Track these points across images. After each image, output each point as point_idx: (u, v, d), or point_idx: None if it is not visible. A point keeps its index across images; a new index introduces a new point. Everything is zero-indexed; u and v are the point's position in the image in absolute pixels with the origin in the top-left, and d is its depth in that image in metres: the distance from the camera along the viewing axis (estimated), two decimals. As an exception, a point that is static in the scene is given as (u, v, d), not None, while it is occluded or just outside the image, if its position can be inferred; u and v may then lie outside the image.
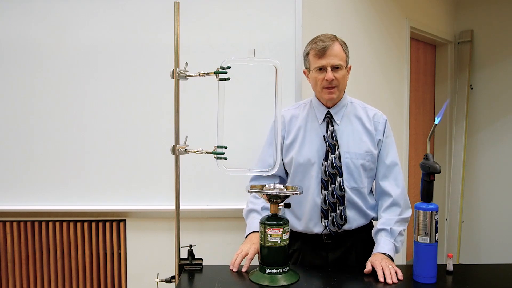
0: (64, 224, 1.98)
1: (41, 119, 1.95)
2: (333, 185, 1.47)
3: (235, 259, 1.37)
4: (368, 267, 1.34)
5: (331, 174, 1.47)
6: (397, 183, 1.51)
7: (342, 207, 1.47)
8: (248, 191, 1.34)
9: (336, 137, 1.48)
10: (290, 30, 1.95)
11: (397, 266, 1.33)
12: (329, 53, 1.42)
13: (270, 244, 1.26)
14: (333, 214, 1.47)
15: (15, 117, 1.95)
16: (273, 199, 1.29)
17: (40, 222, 1.98)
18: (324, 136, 1.49)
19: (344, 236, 1.51)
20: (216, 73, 1.30)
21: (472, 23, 3.39)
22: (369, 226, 1.58)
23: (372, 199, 1.56)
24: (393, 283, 1.25)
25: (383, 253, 1.39)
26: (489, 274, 1.38)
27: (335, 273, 1.34)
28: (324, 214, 1.48)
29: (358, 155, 1.48)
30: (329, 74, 1.42)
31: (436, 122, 1.27)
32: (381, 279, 1.27)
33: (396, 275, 1.28)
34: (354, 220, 1.50)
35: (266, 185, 1.40)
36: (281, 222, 1.27)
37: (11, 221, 1.97)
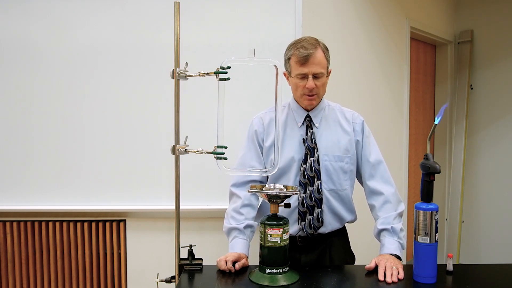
0: (64, 224, 1.98)
1: (41, 119, 1.95)
2: (311, 188, 1.47)
3: (227, 265, 1.34)
4: (371, 264, 1.34)
5: (310, 177, 1.47)
6: (384, 181, 1.51)
7: (320, 209, 1.48)
8: (248, 191, 1.34)
9: (315, 140, 1.49)
10: (290, 30, 1.95)
11: (397, 266, 1.33)
12: (311, 61, 1.41)
13: (270, 244, 1.26)
14: (310, 216, 1.48)
15: (15, 117, 1.95)
16: (273, 199, 1.29)
17: (40, 222, 1.98)
18: (303, 139, 1.49)
19: (318, 239, 1.51)
20: (216, 73, 1.30)
21: (472, 23, 3.39)
22: (343, 230, 1.59)
23: (351, 203, 1.56)
24: (392, 282, 1.25)
25: (390, 254, 1.39)
26: (489, 274, 1.38)
27: (335, 273, 1.34)
28: (302, 216, 1.48)
29: (336, 158, 1.49)
30: (310, 83, 1.42)
31: (436, 122, 1.26)
32: (381, 278, 1.27)
33: (398, 274, 1.28)
34: (329, 224, 1.51)
35: (266, 185, 1.40)
36: (281, 222, 1.27)
37: (11, 221, 1.97)
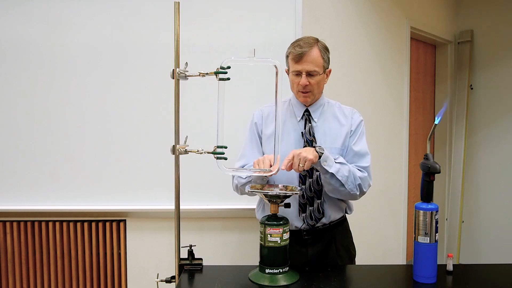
0: (64, 224, 1.98)
1: (41, 119, 1.95)
2: (310, 180, 1.50)
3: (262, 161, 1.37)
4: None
5: (309, 169, 1.48)
6: (360, 168, 1.51)
7: (320, 200, 1.51)
8: (248, 191, 1.34)
9: (313, 133, 1.53)
10: (290, 30, 1.95)
11: (397, 266, 1.33)
12: (305, 59, 1.46)
13: (270, 244, 1.26)
14: (310, 208, 1.51)
15: (15, 117, 1.95)
16: (273, 199, 1.29)
17: (40, 222, 1.98)
18: (302, 133, 1.53)
19: (322, 230, 1.53)
20: (216, 73, 1.30)
21: (472, 23, 3.39)
22: (345, 220, 1.62)
23: None
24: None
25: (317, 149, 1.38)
26: (489, 274, 1.38)
27: (335, 273, 1.34)
28: (302, 208, 1.51)
29: (334, 150, 1.51)
30: (303, 80, 1.47)
31: (436, 122, 1.27)
32: (284, 163, 1.32)
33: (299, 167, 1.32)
34: (331, 214, 1.53)
35: (266, 185, 1.40)
36: (281, 222, 1.27)
37: (11, 221, 1.97)
